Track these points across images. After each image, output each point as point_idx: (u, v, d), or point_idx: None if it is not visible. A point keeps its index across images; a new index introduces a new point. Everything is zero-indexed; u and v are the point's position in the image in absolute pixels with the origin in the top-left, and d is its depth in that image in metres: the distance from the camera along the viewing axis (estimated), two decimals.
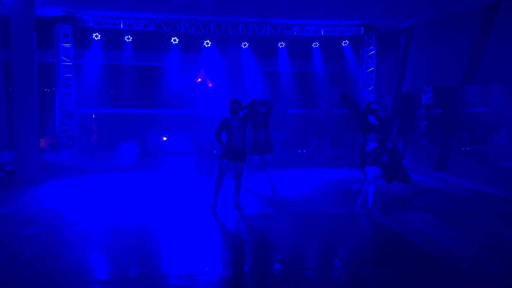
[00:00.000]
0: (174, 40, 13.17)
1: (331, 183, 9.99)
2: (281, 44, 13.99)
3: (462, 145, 12.33)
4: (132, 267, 5.36)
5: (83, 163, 11.62)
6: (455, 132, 12.23)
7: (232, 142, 7.55)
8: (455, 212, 7.89)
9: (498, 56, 9.60)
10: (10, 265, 5.31)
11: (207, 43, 13.44)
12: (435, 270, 5.44)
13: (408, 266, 5.55)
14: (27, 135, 10.00)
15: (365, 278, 5.19)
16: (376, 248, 6.37)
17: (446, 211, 7.87)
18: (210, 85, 14.54)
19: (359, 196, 7.78)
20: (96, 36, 12.70)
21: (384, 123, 7.62)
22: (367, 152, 7.53)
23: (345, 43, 13.91)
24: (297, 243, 6.35)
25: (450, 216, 7.60)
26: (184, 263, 5.48)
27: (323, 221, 7.42)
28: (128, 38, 13.03)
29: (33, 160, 10.09)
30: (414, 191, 9.16)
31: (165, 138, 13.82)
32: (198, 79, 14.38)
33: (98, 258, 5.75)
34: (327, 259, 5.84)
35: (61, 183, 9.65)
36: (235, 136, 7.53)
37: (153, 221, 7.06)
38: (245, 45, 13.74)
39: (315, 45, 14.01)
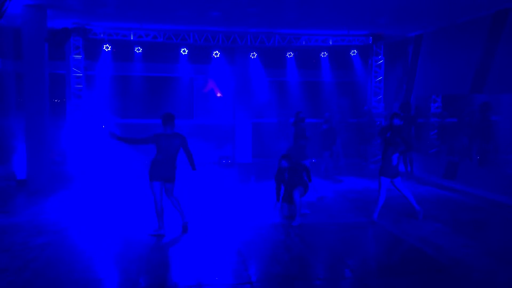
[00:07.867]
0: (184, 51, 13.27)
1: (341, 192, 9.96)
2: (290, 54, 14.05)
3: (473, 154, 12.22)
4: (141, 276, 5.38)
5: (93, 173, 11.72)
6: (466, 140, 12.15)
7: None
8: (465, 221, 7.82)
9: (507, 64, 9.55)
10: (20, 275, 5.35)
11: (216, 54, 13.52)
12: (446, 279, 5.39)
13: (418, 275, 5.51)
14: (38, 146, 10.11)
15: None
16: (386, 257, 6.34)
17: (456, 220, 7.81)
18: (219, 95, 14.62)
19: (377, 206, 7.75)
20: (107, 47, 12.84)
21: (396, 134, 7.57)
22: (385, 164, 7.56)
23: (353, 52, 13.92)
24: (306, 253, 6.33)
25: (460, 225, 7.53)
26: (193, 272, 5.49)
27: (332, 230, 7.39)
28: (138, 49, 13.17)
29: (44, 171, 10.19)
30: (423, 200, 9.10)
31: None
32: (207, 88, 14.47)
33: (107, 268, 5.78)
34: (336, 269, 5.81)
35: (72, 193, 9.72)
36: None
37: (162, 230, 7.08)
38: (253, 55, 13.80)
39: (324, 54, 14.04)
